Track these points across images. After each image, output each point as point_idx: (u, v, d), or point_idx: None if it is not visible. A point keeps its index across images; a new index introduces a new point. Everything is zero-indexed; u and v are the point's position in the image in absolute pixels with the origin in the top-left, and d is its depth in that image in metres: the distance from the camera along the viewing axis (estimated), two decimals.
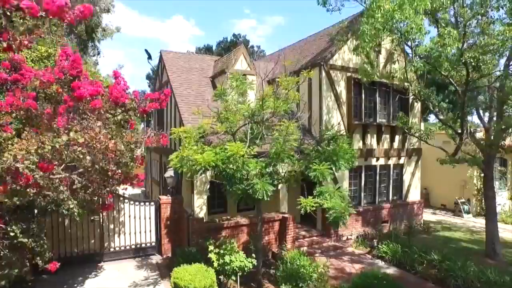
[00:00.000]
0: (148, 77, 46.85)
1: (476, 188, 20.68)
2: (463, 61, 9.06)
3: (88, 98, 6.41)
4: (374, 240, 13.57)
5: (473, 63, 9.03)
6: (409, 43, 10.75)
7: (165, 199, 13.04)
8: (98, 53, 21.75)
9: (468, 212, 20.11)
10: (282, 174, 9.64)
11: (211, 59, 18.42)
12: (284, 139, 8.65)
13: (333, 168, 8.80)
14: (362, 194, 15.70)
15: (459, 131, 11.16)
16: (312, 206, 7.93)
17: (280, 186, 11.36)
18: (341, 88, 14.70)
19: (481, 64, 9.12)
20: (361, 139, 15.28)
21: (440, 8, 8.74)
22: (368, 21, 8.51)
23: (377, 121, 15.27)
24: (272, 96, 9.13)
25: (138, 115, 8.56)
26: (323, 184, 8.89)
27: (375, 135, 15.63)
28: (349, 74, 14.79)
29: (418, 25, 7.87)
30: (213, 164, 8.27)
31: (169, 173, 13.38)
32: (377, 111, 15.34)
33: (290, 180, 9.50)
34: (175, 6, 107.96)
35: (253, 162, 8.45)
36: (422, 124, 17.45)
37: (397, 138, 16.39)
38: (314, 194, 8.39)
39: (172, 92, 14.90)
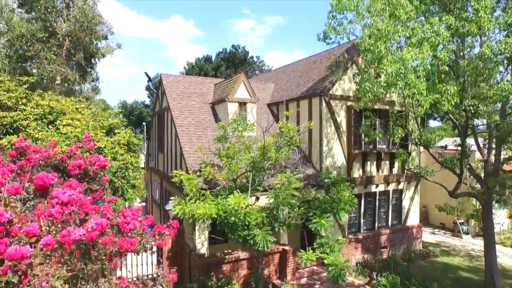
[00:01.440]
0: (147, 88, 46.85)
1: (474, 208, 20.75)
2: (462, 108, 9.14)
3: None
4: (374, 273, 13.63)
5: (472, 110, 9.11)
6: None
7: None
8: (97, 79, 21.77)
9: (467, 233, 20.21)
10: (283, 219, 9.70)
11: (211, 82, 18.43)
12: (285, 188, 8.70)
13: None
14: (362, 221, 15.78)
15: (458, 171, 11.24)
16: (313, 260, 8.00)
17: None
18: (341, 117, 14.77)
19: (480, 112, 9.20)
20: (361, 167, 15.36)
21: (440, 63, 8.82)
22: (369, 77, 8.58)
23: (377, 149, 15.34)
24: (273, 147, 9.16)
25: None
26: (323, 235, 8.94)
27: (375, 162, 15.70)
28: (349, 103, 14.85)
29: (420, 90, 7.94)
30: (215, 215, 8.34)
31: (170, 205, 13.42)
32: (376, 138, 15.38)
33: (291, 227, 9.56)
34: (174, 6, 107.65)
35: (255, 213, 8.51)
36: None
37: (396, 163, 16.43)
38: (315, 246, 8.45)
39: (172, 121, 14.96)
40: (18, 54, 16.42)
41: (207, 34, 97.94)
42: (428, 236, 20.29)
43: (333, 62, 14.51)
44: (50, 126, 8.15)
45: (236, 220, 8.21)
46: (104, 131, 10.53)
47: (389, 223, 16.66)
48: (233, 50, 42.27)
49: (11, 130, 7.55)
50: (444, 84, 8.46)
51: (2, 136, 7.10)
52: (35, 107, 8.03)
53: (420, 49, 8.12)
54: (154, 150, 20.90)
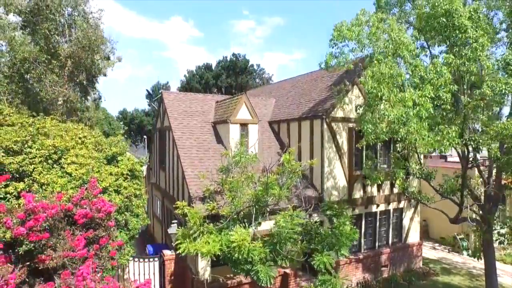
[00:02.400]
0: (147, 96, 46.89)
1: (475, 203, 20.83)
2: (463, 142, 9.23)
3: None
4: None
5: (473, 145, 9.21)
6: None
7: (169, 254, 13.16)
8: (100, 97, 21.83)
9: (467, 249, 20.28)
10: (285, 253, 9.76)
11: (212, 99, 18.48)
12: (288, 224, 8.77)
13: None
14: (362, 240, 15.85)
15: (459, 202, 11.34)
16: None
17: None
18: (343, 139, 14.84)
19: (481, 147, 9.29)
20: (361, 187, 15.43)
21: (443, 103, 8.91)
22: (372, 120, 8.67)
23: (378, 169, 15.39)
24: (276, 184, 9.21)
25: None
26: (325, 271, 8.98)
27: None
28: (350, 125, 14.92)
29: (422, 136, 8.03)
30: (218, 252, 8.41)
31: (173, 229, 13.47)
32: (378, 159, 15.46)
33: (293, 261, 9.62)
34: (174, 7, 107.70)
35: (258, 249, 8.57)
36: None
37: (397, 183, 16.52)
38: (317, 283, 8.51)
39: (174, 142, 15.03)
40: (20, 74, 16.49)
41: (207, 35, 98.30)
42: (428, 251, 20.37)
43: (334, 91, 14.58)
44: (55, 165, 8.21)
45: (240, 257, 8.28)
46: (106, 161, 10.60)
47: (390, 242, 16.74)
48: (234, 59, 42.34)
49: (17, 175, 7.61)
50: (446, 126, 8.56)
51: (8, 182, 7.14)
52: (40, 148, 8.07)
53: (422, 91, 8.22)
54: (155, 165, 20.94)
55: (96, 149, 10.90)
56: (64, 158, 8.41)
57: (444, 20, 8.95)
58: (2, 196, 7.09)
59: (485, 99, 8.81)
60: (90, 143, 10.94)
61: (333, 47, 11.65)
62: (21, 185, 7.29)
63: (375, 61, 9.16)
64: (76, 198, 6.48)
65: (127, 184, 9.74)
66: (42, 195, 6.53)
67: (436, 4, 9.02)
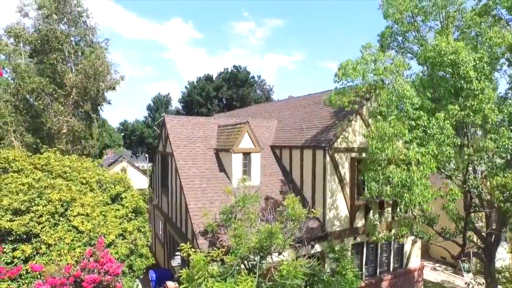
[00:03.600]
0: (148, 107, 46.92)
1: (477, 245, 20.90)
2: (466, 188, 9.31)
3: None
4: None
5: (476, 193, 9.29)
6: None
7: (173, 286, 13.22)
8: (103, 125, 21.90)
9: (468, 271, 20.33)
10: None
11: (215, 122, 18.52)
12: (292, 273, 8.82)
13: None
14: (364, 268, 15.90)
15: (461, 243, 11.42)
16: None
17: None
18: (345, 169, 14.90)
19: (483, 196, 9.36)
20: (363, 216, 15.50)
21: (445, 157, 9.01)
22: (375, 177, 8.77)
23: (380, 198, 15.46)
24: (280, 232, 9.28)
25: None
26: None
27: (377, 211, 15.83)
28: (353, 154, 14.99)
29: (426, 198, 8.13)
30: None
31: (177, 261, 13.56)
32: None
33: None
34: (174, 8, 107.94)
35: None
36: None
37: (399, 209, 16.59)
38: None
39: (177, 171, 15.08)
40: (25, 101, 16.56)
41: (207, 36, 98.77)
42: (429, 272, 20.41)
43: (338, 125, 14.67)
44: (61, 219, 8.25)
45: None
46: (110, 200, 10.67)
47: (391, 268, 16.79)
48: (235, 71, 42.41)
49: (24, 236, 7.65)
50: (449, 182, 8.67)
51: (15, 244, 7.19)
52: (46, 203, 8.11)
53: (426, 148, 8.30)
54: (157, 187, 20.98)
55: (100, 188, 10.96)
56: (70, 210, 8.47)
57: (450, 70, 9.05)
58: (9, 260, 7.14)
59: (487, 152, 8.90)
60: (94, 182, 10.99)
61: (337, 82, 11.78)
62: (28, 249, 7.31)
63: (379, 116, 9.25)
64: (84, 263, 6.53)
65: (132, 228, 9.79)
66: (50, 259, 6.57)
67: (443, 52, 9.12)
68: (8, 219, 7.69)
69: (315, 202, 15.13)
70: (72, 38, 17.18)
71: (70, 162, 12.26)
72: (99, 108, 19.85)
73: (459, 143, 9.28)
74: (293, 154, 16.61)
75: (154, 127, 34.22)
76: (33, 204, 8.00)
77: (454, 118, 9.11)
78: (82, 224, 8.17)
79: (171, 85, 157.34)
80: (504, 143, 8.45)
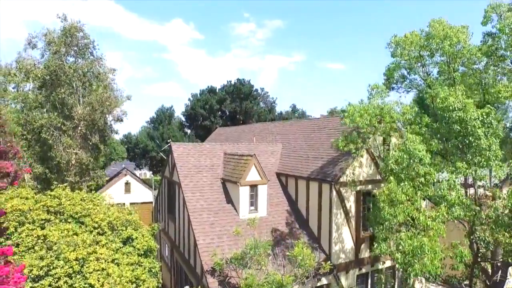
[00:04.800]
0: (152, 120, 47.08)
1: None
2: (472, 240, 9.52)
3: None
4: None
5: (483, 244, 9.48)
6: None
7: None
8: (111, 153, 22.14)
9: None
10: None
11: (221, 150, 18.69)
12: None
13: None
14: None
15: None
16: None
17: None
18: (351, 202, 15.09)
19: (491, 245, 9.54)
20: (368, 247, 15.66)
21: (455, 219, 9.19)
22: (386, 237, 8.98)
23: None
24: (291, 284, 9.46)
25: None
26: None
27: None
28: (358, 187, 15.17)
29: (436, 266, 8.29)
30: None
31: None
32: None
33: None
34: (175, 9, 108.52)
35: None
36: None
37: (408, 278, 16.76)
38: None
39: (184, 203, 15.28)
40: (35, 134, 16.82)
41: (207, 37, 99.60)
42: None
43: (344, 160, 14.86)
44: (78, 276, 8.45)
45: None
46: (122, 244, 10.91)
47: None
48: (238, 84, 42.62)
49: None
50: (458, 245, 8.85)
51: None
52: (64, 264, 8.29)
53: (436, 212, 8.50)
54: (163, 210, 21.17)
55: (111, 231, 11.20)
56: (86, 267, 8.67)
57: (458, 127, 9.27)
58: None
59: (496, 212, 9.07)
60: (105, 225, 11.22)
61: (345, 124, 12.02)
62: None
63: (391, 177, 9.48)
64: None
65: (145, 275, 9.99)
66: None
67: (450, 108, 9.34)
68: (29, 287, 7.91)
69: (321, 234, 15.33)
70: (79, 71, 17.41)
71: (81, 200, 12.49)
72: (107, 139, 20.10)
73: (468, 203, 9.47)
74: (299, 184, 16.80)
75: (161, 153, 34.43)
76: (51, 267, 8.20)
77: (463, 173, 9.33)
78: (98, 281, 8.37)
79: (172, 86, 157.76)
80: (510, 202, 8.66)
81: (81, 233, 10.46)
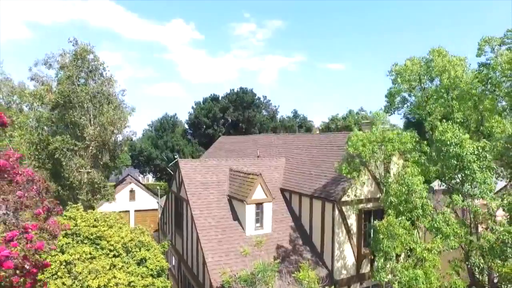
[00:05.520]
0: (155, 128, 47.70)
1: None
2: (468, 266, 10.13)
3: None
4: None
5: (478, 270, 10.08)
6: None
7: None
8: (121, 172, 22.83)
9: None
10: None
11: (226, 165, 19.29)
12: None
13: None
14: None
15: None
16: None
17: None
18: (352, 220, 15.71)
19: (486, 271, 10.13)
20: (369, 263, 16.28)
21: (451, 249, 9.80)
22: (384, 267, 9.60)
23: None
24: None
25: None
26: None
27: None
28: (360, 206, 15.77)
29: None
30: None
31: None
32: None
33: None
34: (175, 9, 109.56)
35: None
36: None
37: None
38: None
39: (193, 221, 15.89)
40: (48, 153, 17.52)
41: (208, 37, 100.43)
42: None
43: (347, 180, 15.46)
44: None
45: None
46: (136, 265, 11.54)
47: None
48: (241, 93, 43.30)
49: None
50: (453, 274, 9.48)
51: None
52: None
53: (432, 244, 9.12)
54: (170, 223, 21.79)
55: (126, 252, 11.83)
56: None
57: (455, 161, 9.91)
58: None
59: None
60: (120, 247, 11.86)
61: (347, 158, 12.71)
62: None
63: (390, 210, 10.11)
64: None
65: None
66: None
67: (448, 142, 9.98)
68: None
69: (323, 250, 15.95)
70: (90, 93, 18.07)
71: (94, 220, 13.14)
72: (117, 159, 20.77)
73: (463, 234, 10.08)
74: (302, 201, 17.42)
75: (168, 169, 35.07)
76: None
77: (458, 205, 9.95)
78: None
79: (173, 87, 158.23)
80: (504, 238, 9.27)
81: (98, 256, 11.09)
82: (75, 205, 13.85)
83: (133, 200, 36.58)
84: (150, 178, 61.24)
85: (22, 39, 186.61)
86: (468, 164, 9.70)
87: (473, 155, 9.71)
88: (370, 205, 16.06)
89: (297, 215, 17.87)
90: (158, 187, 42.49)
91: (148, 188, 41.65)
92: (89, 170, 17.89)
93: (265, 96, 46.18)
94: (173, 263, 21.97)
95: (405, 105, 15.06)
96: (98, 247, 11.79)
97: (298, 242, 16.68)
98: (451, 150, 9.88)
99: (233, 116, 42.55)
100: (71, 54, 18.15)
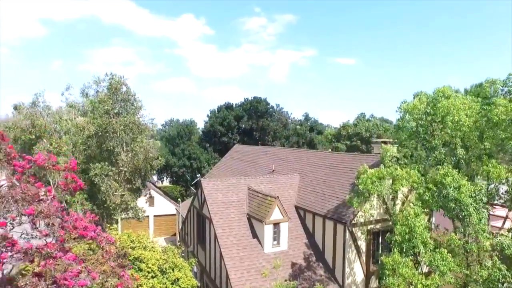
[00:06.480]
0: (172, 137, 49.45)
1: None
2: None
3: None
4: None
5: None
6: None
7: None
8: (150, 194, 24.60)
9: None
10: None
11: (245, 184, 20.82)
12: None
13: None
14: None
15: None
16: None
17: None
18: (361, 240, 17.14)
19: None
20: (377, 278, 17.73)
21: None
22: None
23: None
24: None
25: None
26: None
27: None
28: (369, 227, 17.20)
29: None
30: None
31: None
32: None
33: None
34: (185, 4, 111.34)
35: None
36: None
37: None
38: None
39: (216, 238, 17.51)
40: (85, 174, 19.45)
41: (218, 32, 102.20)
42: None
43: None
44: None
45: None
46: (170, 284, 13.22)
47: None
48: (255, 102, 44.84)
49: None
50: None
51: None
52: None
53: (431, 281, 10.51)
54: (192, 235, 23.44)
55: (162, 274, 13.52)
56: None
57: (453, 205, 11.27)
58: None
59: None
60: (156, 268, 13.56)
61: (355, 194, 14.16)
62: None
63: (395, 249, 11.56)
64: None
65: None
66: None
67: (448, 186, 11.33)
68: None
69: (335, 266, 17.43)
70: (123, 124, 19.80)
71: (131, 241, 14.85)
72: (147, 183, 22.56)
73: (459, 270, 11.43)
74: (316, 220, 18.90)
75: (191, 186, 36.83)
76: None
77: (456, 244, 11.31)
78: None
79: (183, 82, 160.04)
80: (495, 275, 10.58)
81: (141, 276, 12.77)
82: (112, 227, 15.57)
83: (152, 206, 38.45)
84: (165, 182, 63.54)
85: (36, 37, 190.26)
86: (465, 208, 11.03)
87: (469, 198, 11.04)
88: (378, 226, 17.46)
89: (310, 232, 19.35)
90: (173, 193, 44.42)
91: (165, 193, 43.59)
92: (123, 193, 19.68)
93: (278, 105, 47.75)
94: (195, 270, 23.64)
95: (411, 141, 16.24)
96: (137, 268, 13.49)
97: (312, 258, 18.19)
98: (450, 194, 11.23)
99: (247, 124, 44.13)
100: (106, 83, 19.95)
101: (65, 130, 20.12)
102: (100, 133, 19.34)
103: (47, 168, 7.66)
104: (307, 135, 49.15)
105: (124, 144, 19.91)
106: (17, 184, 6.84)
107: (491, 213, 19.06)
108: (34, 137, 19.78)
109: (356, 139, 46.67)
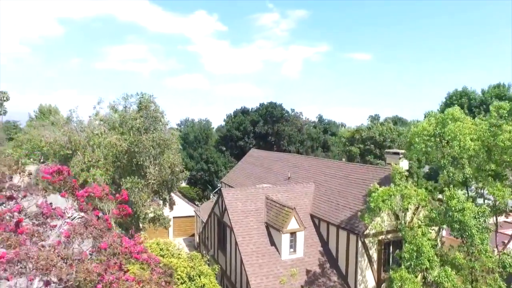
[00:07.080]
0: (188, 142, 51.10)
1: None
2: None
3: None
4: None
5: None
6: None
7: None
8: (173, 205, 26.18)
9: None
10: None
11: (263, 194, 22.09)
12: None
13: None
14: None
15: None
16: None
17: None
18: (373, 250, 18.27)
19: None
20: (387, 286, 18.83)
21: None
22: None
23: None
24: None
25: None
26: None
27: None
28: (380, 237, 18.31)
29: None
30: None
31: None
32: None
33: None
34: (198, 1, 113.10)
35: None
36: None
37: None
38: None
39: (236, 245, 18.88)
40: (116, 185, 21.08)
41: (231, 28, 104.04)
42: None
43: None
44: None
45: None
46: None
47: None
48: (270, 108, 46.11)
49: None
50: None
51: None
52: None
53: None
54: (213, 240, 24.88)
55: (190, 281, 14.94)
56: None
57: (457, 226, 12.32)
58: None
59: None
60: (184, 275, 14.99)
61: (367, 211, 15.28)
62: None
63: (404, 265, 12.68)
64: None
65: None
66: None
67: (453, 208, 12.36)
68: None
69: (348, 273, 18.61)
70: (152, 140, 21.33)
71: (160, 249, 16.30)
72: (172, 193, 24.11)
73: (463, 287, 12.46)
74: (330, 229, 20.07)
75: (212, 195, 38.38)
76: None
77: (461, 262, 12.36)
78: None
79: (196, 78, 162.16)
80: None
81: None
82: (141, 234, 17.02)
83: (171, 208, 40.16)
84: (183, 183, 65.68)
85: (55, 36, 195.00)
86: (469, 228, 12.05)
87: (473, 219, 12.07)
88: (389, 236, 18.52)
89: (325, 240, 20.54)
90: (190, 194, 45.97)
91: (183, 194, 45.26)
92: (151, 204, 21.23)
93: (293, 109, 48.88)
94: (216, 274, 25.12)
95: (422, 158, 17.22)
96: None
97: (326, 265, 19.40)
98: (454, 216, 12.27)
99: (263, 129, 45.40)
100: (134, 98, 21.64)
101: (97, 144, 21.79)
102: (132, 149, 20.91)
103: (103, 197, 9.05)
104: (321, 138, 50.12)
105: (152, 158, 21.43)
106: (89, 218, 8.19)
107: (505, 220, 19.93)
108: (70, 152, 21.54)
109: (370, 143, 47.39)
